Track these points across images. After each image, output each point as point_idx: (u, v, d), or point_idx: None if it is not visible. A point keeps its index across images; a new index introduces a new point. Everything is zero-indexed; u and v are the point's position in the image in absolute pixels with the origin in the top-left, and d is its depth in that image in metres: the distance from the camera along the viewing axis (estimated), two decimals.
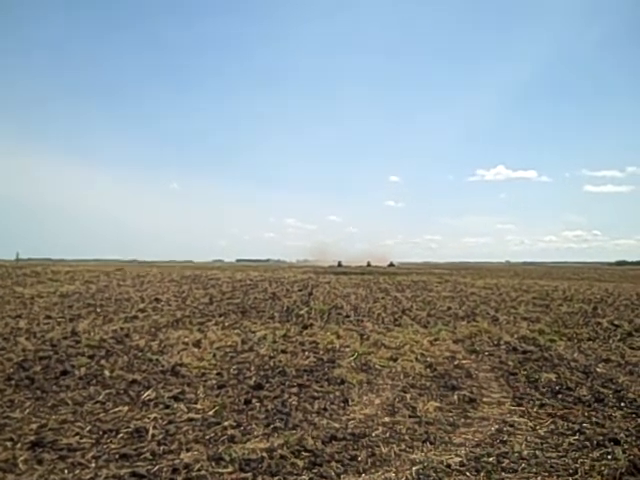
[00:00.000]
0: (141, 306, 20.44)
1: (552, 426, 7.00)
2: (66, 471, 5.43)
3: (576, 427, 6.92)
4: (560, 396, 8.42)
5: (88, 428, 6.65)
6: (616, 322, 17.30)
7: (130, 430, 6.59)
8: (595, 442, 6.36)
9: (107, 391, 8.30)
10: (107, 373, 9.38)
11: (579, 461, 5.82)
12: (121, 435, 6.44)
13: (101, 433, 6.50)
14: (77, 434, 6.45)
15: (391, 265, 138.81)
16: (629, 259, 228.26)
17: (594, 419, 7.27)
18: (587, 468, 5.63)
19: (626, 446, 6.26)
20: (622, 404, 8.03)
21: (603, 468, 5.61)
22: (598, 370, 10.23)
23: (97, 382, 8.86)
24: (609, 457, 5.94)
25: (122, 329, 14.42)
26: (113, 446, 6.10)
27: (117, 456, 5.82)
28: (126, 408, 7.49)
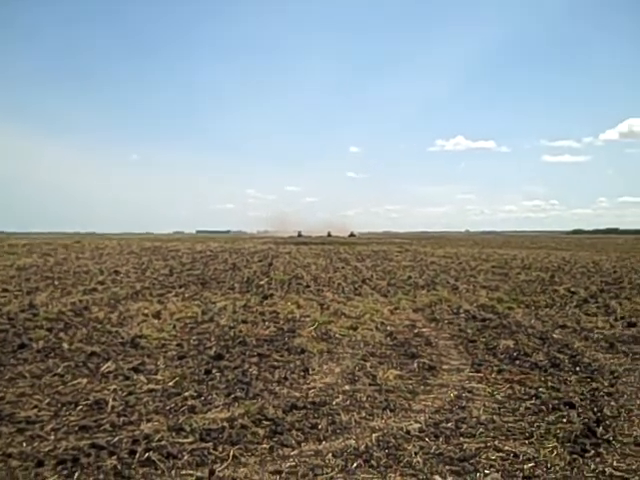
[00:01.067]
0: (100, 278, 20.32)
1: (509, 391, 7.10)
2: (24, 444, 5.37)
3: (532, 392, 7.02)
4: (517, 362, 8.53)
5: (47, 401, 6.59)
6: (572, 289, 17.59)
7: (89, 402, 6.54)
8: (551, 406, 6.47)
9: (66, 363, 8.22)
10: (66, 346, 9.29)
11: (535, 425, 5.91)
12: (80, 407, 6.38)
13: (60, 405, 6.44)
14: (35, 407, 6.39)
15: (352, 235, 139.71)
16: (585, 228, 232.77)
17: (550, 384, 7.39)
18: (543, 431, 5.72)
19: (581, 410, 6.36)
20: (577, 369, 8.16)
21: (558, 431, 5.71)
22: (554, 336, 10.39)
23: (55, 355, 8.77)
24: (564, 420, 6.04)
25: (81, 301, 14.30)
26: (72, 418, 6.05)
27: (76, 428, 5.76)
28: (85, 380, 7.43)
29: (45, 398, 6.68)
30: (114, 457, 5.04)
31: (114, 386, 7.16)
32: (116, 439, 5.44)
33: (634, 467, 4.92)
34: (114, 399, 6.63)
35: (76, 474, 4.72)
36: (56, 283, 18.63)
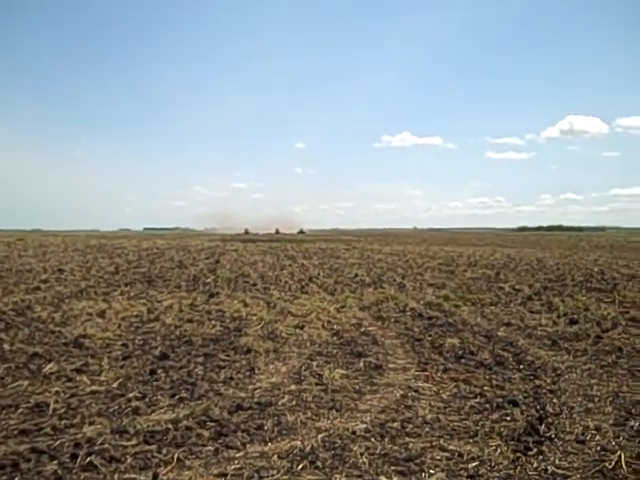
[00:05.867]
0: (44, 277, 20.00)
1: (455, 390, 7.15)
2: None
3: (477, 390, 7.09)
4: (463, 360, 8.60)
5: None
6: (517, 287, 17.82)
7: (30, 405, 6.41)
8: (495, 404, 6.54)
9: (6, 365, 8.05)
10: (6, 346, 9.10)
11: (480, 423, 5.96)
12: (20, 410, 6.24)
13: None
14: None
15: (301, 232, 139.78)
16: (529, 224, 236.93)
17: (494, 382, 7.46)
18: (487, 430, 5.77)
19: (524, 407, 6.44)
20: (521, 366, 8.27)
21: (502, 429, 5.76)
22: (499, 334, 10.51)
23: None
24: (508, 419, 6.10)
25: (23, 301, 14.04)
26: (12, 422, 5.92)
27: (16, 432, 5.64)
28: (26, 382, 7.27)
29: None
30: (55, 462, 4.95)
31: (56, 388, 7.03)
32: (57, 443, 5.33)
33: (576, 465, 4.99)
34: (56, 401, 6.51)
35: (15, 479, 4.62)
36: None
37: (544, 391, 7.06)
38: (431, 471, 4.84)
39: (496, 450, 5.27)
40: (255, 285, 18.22)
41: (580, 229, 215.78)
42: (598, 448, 5.34)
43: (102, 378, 7.54)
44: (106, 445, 5.29)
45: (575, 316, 12.22)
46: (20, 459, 4.98)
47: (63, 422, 5.90)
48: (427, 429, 5.81)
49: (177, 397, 6.76)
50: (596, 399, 6.78)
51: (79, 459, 4.97)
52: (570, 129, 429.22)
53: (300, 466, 4.91)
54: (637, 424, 5.93)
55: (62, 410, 6.27)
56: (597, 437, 5.60)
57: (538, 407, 6.44)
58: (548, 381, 7.50)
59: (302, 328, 10.87)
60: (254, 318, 11.92)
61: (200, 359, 8.57)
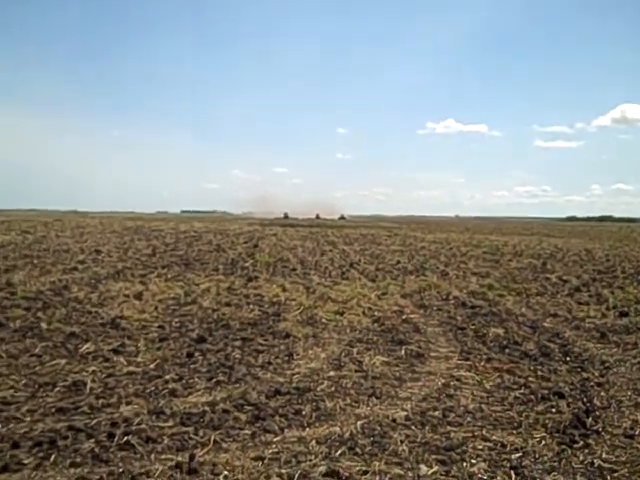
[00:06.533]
0: (81, 257, 20.13)
1: (498, 380, 7.00)
2: (0, 425, 5.23)
3: (522, 381, 6.94)
4: (507, 350, 8.43)
5: (23, 381, 6.45)
6: (564, 277, 17.52)
7: (68, 383, 6.41)
8: (540, 396, 6.38)
9: (44, 344, 8.05)
10: (44, 325, 9.11)
11: (524, 414, 5.82)
12: (58, 389, 6.25)
13: (37, 386, 6.31)
14: (12, 387, 6.25)
15: (342, 218, 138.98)
16: (578, 215, 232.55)
17: (540, 373, 7.30)
18: (531, 421, 5.63)
19: (570, 400, 6.29)
20: (568, 358, 8.08)
21: (547, 421, 5.62)
22: (545, 325, 10.31)
23: (33, 335, 8.59)
24: (553, 411, 5.96)
25: (60, 281, 14.11)
26: (50, 400, 5.92)
27: (54, 410, 5.64)
28: (64, 361, 7.28)
29: (22, 379, 6.55)
30: (92, 440, 4.94)
31: (93, 367, 7.03)
32: (94, 422, 5.32)
33: (623, 459, 4.85)
34: (93, 381, 6.51)
35: (52, 456, 4.61)
36: (35, 261, 18.39)
37: (591, 384, 6.89)
38: (473, 461, 4.73)
39: (540, 442, 5.14)
40: (294, 270, 18.16)
41: (632, 220, 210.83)
42: None
43: (139, 359, 7.53)
44: (143, 425, 5.27)
45: (625, 309, 11.98)
46: (57, 436, 4.97)
47: (100, 401, 5.89)
48: (469, 419, 5.69)
49: (214, 380, 6.70)
50: None
51: (116, 438, 4.95)
52: (623, 117, 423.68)
53: (339, 452, 4.82)
54: None
55: (99, 389, 6.27)
56: None
57: (585, 400, 6.27)
58: (596, 374, 7.32)
59: (342, 314, 10.76)
60: (293, 303, 11.85)
61: (238, 343, 8.50)
